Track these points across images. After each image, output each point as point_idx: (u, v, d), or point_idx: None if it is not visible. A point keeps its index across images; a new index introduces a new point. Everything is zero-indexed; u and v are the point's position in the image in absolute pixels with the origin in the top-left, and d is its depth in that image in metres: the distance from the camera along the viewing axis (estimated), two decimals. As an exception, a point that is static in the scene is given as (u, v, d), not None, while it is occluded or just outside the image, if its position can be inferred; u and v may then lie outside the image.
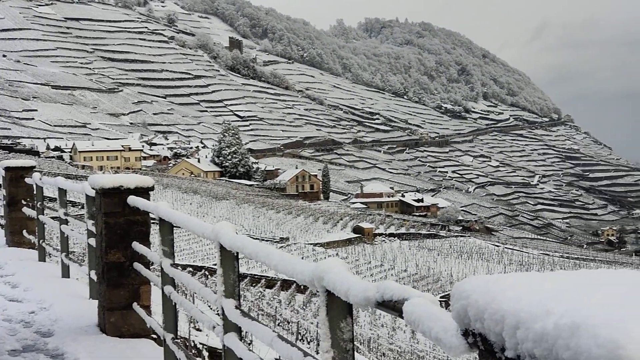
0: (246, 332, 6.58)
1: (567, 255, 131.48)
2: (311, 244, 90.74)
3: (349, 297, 3.24)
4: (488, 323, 1.89)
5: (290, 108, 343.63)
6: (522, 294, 1.86)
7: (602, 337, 1.48)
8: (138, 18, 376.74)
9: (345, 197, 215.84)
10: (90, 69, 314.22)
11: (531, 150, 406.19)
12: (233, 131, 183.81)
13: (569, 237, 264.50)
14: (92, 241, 10.65)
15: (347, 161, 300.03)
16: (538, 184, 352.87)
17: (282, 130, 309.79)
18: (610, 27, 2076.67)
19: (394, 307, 2.84)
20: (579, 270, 2.11)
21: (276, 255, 4.46)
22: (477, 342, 2.03)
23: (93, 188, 9.62)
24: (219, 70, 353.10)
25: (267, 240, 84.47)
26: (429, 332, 2.43)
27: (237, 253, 5.35)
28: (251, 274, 63.63)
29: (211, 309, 21.29)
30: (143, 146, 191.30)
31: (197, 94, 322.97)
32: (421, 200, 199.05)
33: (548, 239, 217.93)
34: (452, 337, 2.22)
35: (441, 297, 60.00)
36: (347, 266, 3.53)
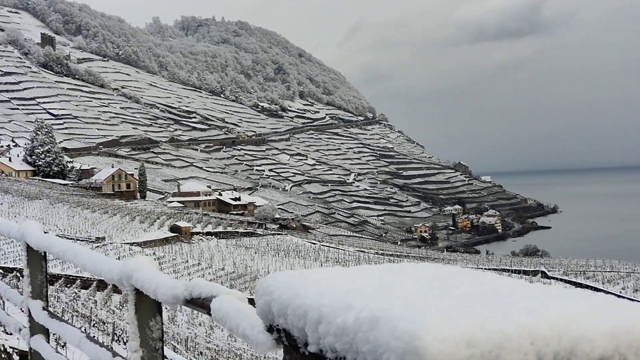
0: (59, 335, 6.43)
1: (382, 251, 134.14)
2: (128, 243, 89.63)
3: (158, 295, 3.19)
4: (291, 318, 1.86)
5: (105, 106, 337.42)
6: (325, 289, 1.83)
7: (399, 330, 1.48)
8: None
9: (162, 196, 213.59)
10: None
11: (347, 148, 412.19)
12: (46, 129, 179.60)
13: (384, 234, 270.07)
14: None
15: (164, 160, 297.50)
16: (354, 182, 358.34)
17: (98, 129, 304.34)
18: (421, 28, 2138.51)
19: (202, 304, 2.81)
20: (383, 264, 2.09)
21: (84, 255, 4.36)
22: (281, 337, 1.98)
23: None
24: (30, 67, 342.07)
25: (82, 240, 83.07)
26: (236, 329, 2.40)
27: (45, 253, 5.22)
28: (66, 275, 62.25)
29: (23, 311, 20.74)
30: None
31: (7, 91, 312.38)
32: (238, 199, 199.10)
33: (364, 236, 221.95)
34: (259, 333, 2.18)
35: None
36: (155, 264, 3.47)
